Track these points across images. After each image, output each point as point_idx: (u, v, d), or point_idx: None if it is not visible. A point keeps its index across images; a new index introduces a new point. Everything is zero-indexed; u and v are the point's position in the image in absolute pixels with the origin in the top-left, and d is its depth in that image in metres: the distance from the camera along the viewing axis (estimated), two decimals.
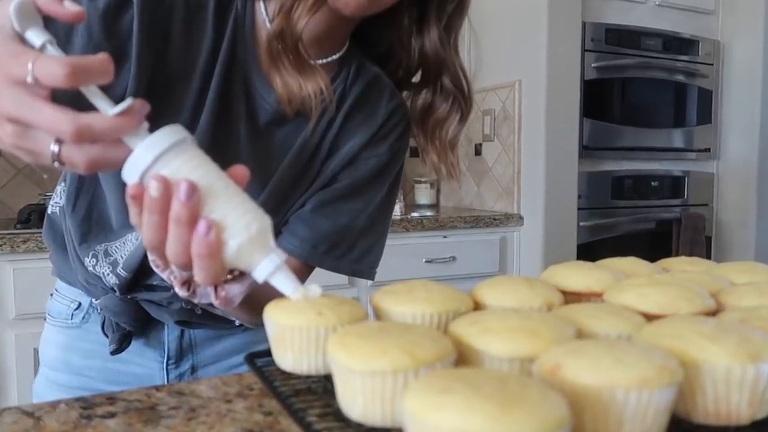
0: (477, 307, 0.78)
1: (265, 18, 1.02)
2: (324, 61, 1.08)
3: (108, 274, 1.10)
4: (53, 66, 0.60)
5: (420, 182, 3.87)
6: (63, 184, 1.16)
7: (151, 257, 0.78)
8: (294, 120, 1.06)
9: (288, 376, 0.72)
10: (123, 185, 1.01)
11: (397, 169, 1.18)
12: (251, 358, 0.78)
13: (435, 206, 3.87)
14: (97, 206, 1.10)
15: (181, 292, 0.79)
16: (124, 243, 1.08)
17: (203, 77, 0.99)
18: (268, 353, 0.76)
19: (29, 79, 0.61)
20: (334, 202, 1.11)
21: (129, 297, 1.13)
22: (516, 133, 3.36)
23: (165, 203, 0.66)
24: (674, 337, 0.58)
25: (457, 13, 1.11)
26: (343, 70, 1.11)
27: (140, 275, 1.10)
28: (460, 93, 1.13)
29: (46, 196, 2.90)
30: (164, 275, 0.79)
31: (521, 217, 3.34)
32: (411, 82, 1.18)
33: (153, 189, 0.66)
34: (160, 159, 0.66)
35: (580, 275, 0.84)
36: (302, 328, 0.68)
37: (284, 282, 0.71)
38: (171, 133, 0.67)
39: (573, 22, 3.26)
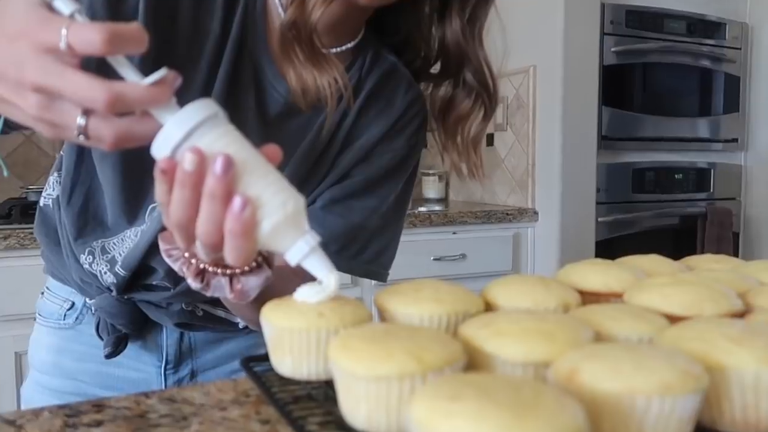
0: (488, 308, 0.78)
1: (277, 4, 1.02)
2: (338, 49, 1.08)
3: (105, 273, 1.10)
4: (89, 32, 0.60)
5: (428, 175, 3.87)
6: (56, 174, 1.16)
7: (164, 246, 0.79)
8: (306, 112, 1.06)
9: (286, 381, 0.72)
10: (120, 176, 1.03)
11: (413, 164, 1.19)
12: (247, 363, 0.78)
13: (444, 200, 3.87)
14: (94, 199, 1.10)
15: (194, 284, 0.79)
16: (122, 239, 1.08)
17: (211, 64, 0.99)
18: (265, 357, 0.76)
19: (62, 45, 0.61)
20: (347, 200, 1.11)
21: (126, 297, 1.13)
22: (530, 122, 3.36)
23: (199, 178, 0.66)
24: (699, 341, 0.58)
25: (482, 3, 1.10)
26: (358, 59, 1.11)
27: (139, 274, 1.10)
28: (483, 88, 1.13)
29: (28, 189, 2.90)
30: (177, 266, 0.80)
31: (536, 212, 3.34)
32: (430, 73, 1.18)
33: (188, 162, 0.66)
34: (194, 133, 0.66)
35: (598, 274, 0.84)
36: (302, 330, 0.68)
37: (319, 265, 0.71)
38: (203, 107, 0.67)
39: (591, 3, 3.25)
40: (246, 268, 0.79)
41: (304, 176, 1.08)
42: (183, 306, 1.14)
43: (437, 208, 3.40)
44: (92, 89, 0.61)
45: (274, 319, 0.70)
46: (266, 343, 0.73)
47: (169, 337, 1.20)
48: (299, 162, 1.07)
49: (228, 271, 0.78)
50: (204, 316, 1.17)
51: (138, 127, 0.66)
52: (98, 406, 0.72)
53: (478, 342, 0.62)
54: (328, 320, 0.68)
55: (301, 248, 0.70)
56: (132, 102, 0.63)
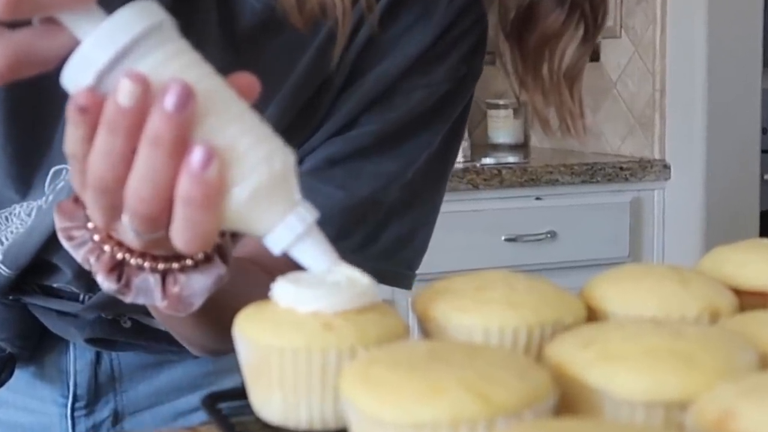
0: (592, 315, 0.78)
1: None
2: None
3: None
4: None
5: (497, 107, 3.86)
6: None
7: (62, 224, 0.78)
8: (302, 29, 1.03)
9: (274, 431, 0.73)
10: (4, 124, 1.02)
11: (460, 108, 1.17)
12: (212, 402, 0.78)
13: (522, 147, 3.87)
14: None
15: (107, 284, 0.78)
16: (7, 220, 1.08)
17: None
18: (239, 394, 0.76)
19: None
20: (352, 160, 1.10)
21: (11, 299, 1.14)
22: (657, 24, 3.36)
23: (138, 117, 0.66)
24: None
25: None
26: None
27: (33, 273, 1.10)
28: None
29: None
30: (80, 254, 0.78)
31: (666, 166, 3.34)
32: None
33: (125, 93, 0.65)
34: (130, 53, 0.65)
35: (765, 263, 0.83)
36: (299, 351, 0.68)
37: (317, 253, 0.71)
38: (142, 14, 0.66)
39: None
40: (189, 262, 0.78)
41: (289, 124, 1.07)
42: (102, 314, 1.14)
43: (512, 159, 3.39)
44: None
45: (255, 334, 0.70)
46: (243, 371, 0.73)
47: (78, 359, 1.20)
48: (285, 104, 1.06)
49: (160, 266, 0.77)
50: (133, 329, 1.17)
51: (42, 44, 0.65)
52: None
53: (577, 369, 0.62)
54: (340, 335, 0.68)
55: (291, 227, 0.70)
56: (40, 1, 0.63)
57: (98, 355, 1.20)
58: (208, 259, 0.79)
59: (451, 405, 0.56)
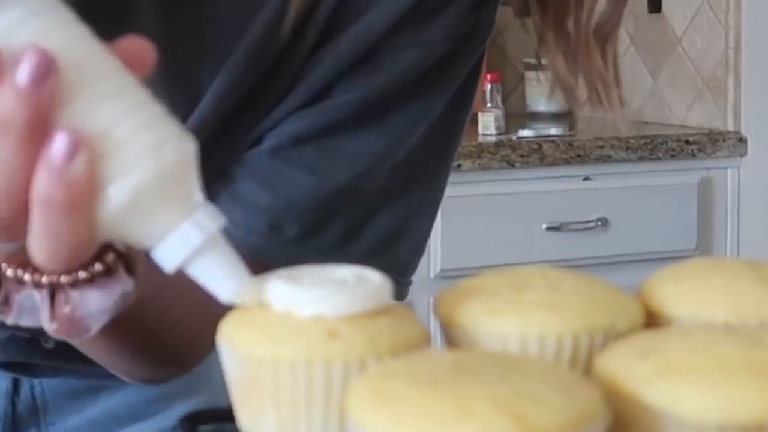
0: (652, 320, 0.77)
1: None
2: None
3: None
4: None
5: (536, 68, 3.84)
6: None
7: None
8: None
9: None
10: None
11: (466, 71, 1.16)
12: (192, 424, 0.78)
13: (566, 117, 3.87)
14: None
15: None
16: None
17: None
18: (224, 415, 0.76)
19: None
20: (324, 138, 1.09)
21: None
22: None
23: None
24: None
25: None
26: None
27: None
28: None
29: None
30: None
31: (742, 140, 3.33)
32: None
33: None
34: None
35: None
36: (298, 363, 0.68)
37: (219, 270, 0.70)
38: None
39: None
40: (82, 275, 0.76)
41: (245, 97, 1.07)
42: (19, 332, 1.12)
43: (554, 131, 3.40)
44: None
45: (244, 343, 0.70)
46: (229, 387, 0.73)
47: None
48: (238, 70, 1.06)
49: (45, 279, 0.76)
50: (57, 350, 1.15)
51: None
52: None
53: (634, 385, 0.62)
54: (347, 344, 0.68)
55: (186, 238, 0.68)
56: None
57: (16, 382, 1.21)
58: (109, 272, 0.77)
59: (480, 427, 0.55)
